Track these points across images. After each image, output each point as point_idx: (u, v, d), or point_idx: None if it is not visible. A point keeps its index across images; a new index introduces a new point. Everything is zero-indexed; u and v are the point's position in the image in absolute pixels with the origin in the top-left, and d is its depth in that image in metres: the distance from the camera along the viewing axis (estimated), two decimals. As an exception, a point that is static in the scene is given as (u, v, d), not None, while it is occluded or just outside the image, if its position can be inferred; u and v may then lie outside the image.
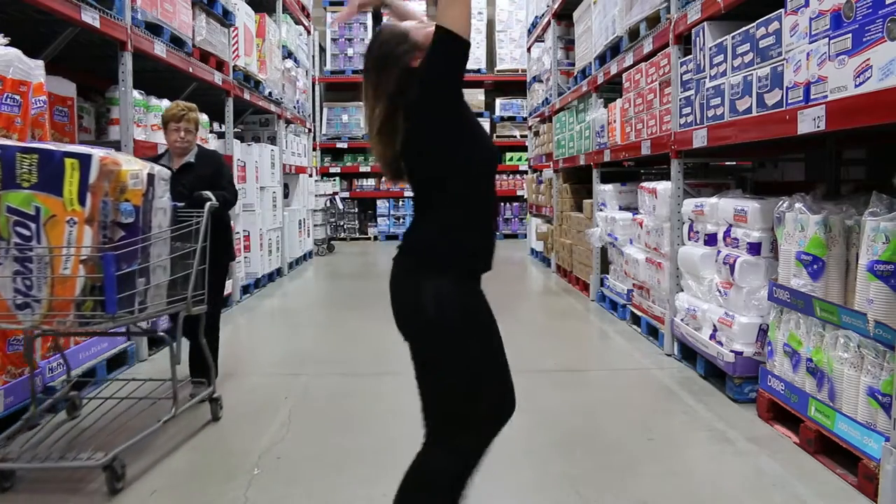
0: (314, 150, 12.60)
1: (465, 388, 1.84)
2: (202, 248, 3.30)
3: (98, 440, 2.95)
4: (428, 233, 1.88)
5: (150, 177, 2.93)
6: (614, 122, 5.87)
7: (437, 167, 1.86)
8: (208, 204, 3.43)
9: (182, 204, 3.38)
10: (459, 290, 1.83)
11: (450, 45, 1.80)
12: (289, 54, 9.24)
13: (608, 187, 6.20)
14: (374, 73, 1.90)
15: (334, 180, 13.57)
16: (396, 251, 1.92)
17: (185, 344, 3.60)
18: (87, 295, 2.69)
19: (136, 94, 4.74)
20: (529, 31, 10.32)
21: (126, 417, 3.20)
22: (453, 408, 1.86)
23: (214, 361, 3.87)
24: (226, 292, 6.34)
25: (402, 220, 13.66)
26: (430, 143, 1.86)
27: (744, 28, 3.51)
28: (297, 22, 10.02)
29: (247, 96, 7.14)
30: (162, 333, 3.34)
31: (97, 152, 2.70)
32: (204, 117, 6.11)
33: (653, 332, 5.02)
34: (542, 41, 9.25)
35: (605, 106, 6.23)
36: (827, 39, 2.75)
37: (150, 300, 2.95)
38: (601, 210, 6.28)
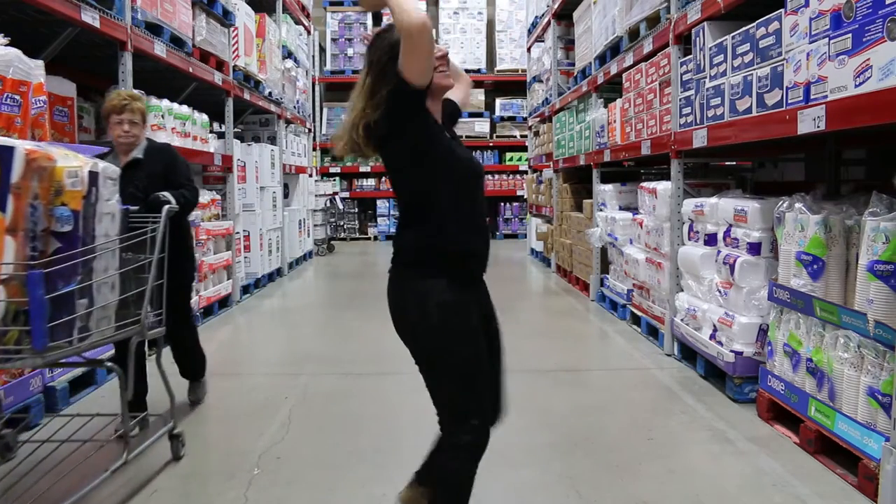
0: (314, 150, 12.61)
1: (454, 385, 1.97)
2: (159, 259, 2.82)
3: (31, 496, 2.43)
4: (413, 240, 2.02)
5: (93, 175, 2.42)
6: (614, 122, 5.87)
7: (416, 183, 1.99)
8: (166, 207, 2.97)
9: (135, 207, 2.93)
10: (442, 292, 1.94)
11: (410, 96, 1.90)
12: (289, 54, 9.24)
13: (608, 187, 6.20)
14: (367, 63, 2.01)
15: (334, 180, 13.57)
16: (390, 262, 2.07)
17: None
18: (9, 324, 2.14)
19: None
20: (529, 31, 10.32)
21: (69, 464, 2.62)
22: (449, 404, 2.00)
23: (197, 381, 3.76)
24: (226, 292, 6.35)
25: (402, 220, 13.66)
26: (407, 164, 1.99)
27: (744, 28, 3.51)
28: (297, 22, 10.02)
29: (247, 96, 7.14)
30: (108, 364, 2.85)
31: (22, 144, 2.22)
32: (204, 117, 6.11)
33: (653, 332, 5.02)
34: (542, 41, 9.25)
35: (605, 106, 6.23)
36: (827, 39, 2.75)
37: (94, 325, 2.42)
38: (601, 210, 6.28)
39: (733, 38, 3.61)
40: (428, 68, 1.90)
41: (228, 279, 6.47)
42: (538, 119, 9.95)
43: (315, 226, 11.09)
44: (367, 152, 2.03)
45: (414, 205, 2.00)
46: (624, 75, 5.55)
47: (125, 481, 2.79)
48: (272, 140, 8.60)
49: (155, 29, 4.85)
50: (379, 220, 13.74)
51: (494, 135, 13.75)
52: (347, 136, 2.00)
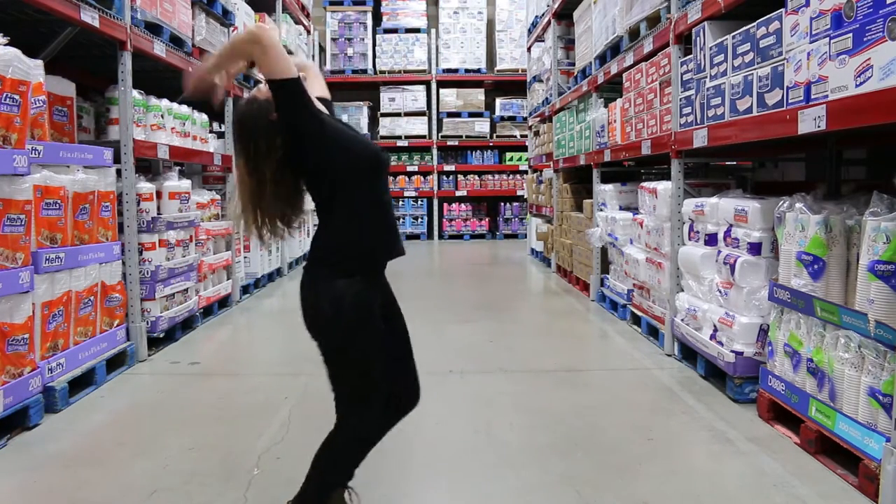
0: (314, 149, 12.58)
1: (359, 374, 2.15)
2: None
3: None
4: (325, 241, 2.17)
5: None
6: (614, 121, 5.87)
7: (326, 188, 2.12)
8: None
9: None
10: (352, 290, 2.08)
11: (285, 89, 2.02)
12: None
13: (608, 187, 6.20)
14: (245, 143, 2.11)
15: (334, 180, 13.52)
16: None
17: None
18: None
19: (135, 93, 4.74)
20: (529, 31, 10.32)
21: None
22: (353, 391, 2.18)
23: None
24: (225, 292, 6.33)
25: (400, 220, 13.66)
26: (315, 169, 2.12)
27: (744, 28, 3.50)
28: (297, 22, 10.01)
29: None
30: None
31: None
32: (204, 117, 6.10)
33: (653, 332, 5.01)
34: (542, 41, 9.24)
35: (606, 106, 6.23)
36: (827, 39, 2.74)
37: None
38: (601, 210, 6.28)
39: (734, 37, 3.61)
40: (283, 57, 2.05)
41: (228, 279, 6.46)
42: (538, 119, 9.95)
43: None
44: (295, 198, 2.19)
45: (328, 207, 2.13)
46: (624, 75, 5.55)
47: (126, 482, 2.79)
48: (272, 140, 8.58)
49: (154, 28, 4.84)
50: (379, 219, 13.72)
51: (494, 135, 13.74)
52: (272, 213, 2.15)
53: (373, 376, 2.16)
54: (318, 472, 2.24)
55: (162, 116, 5.21)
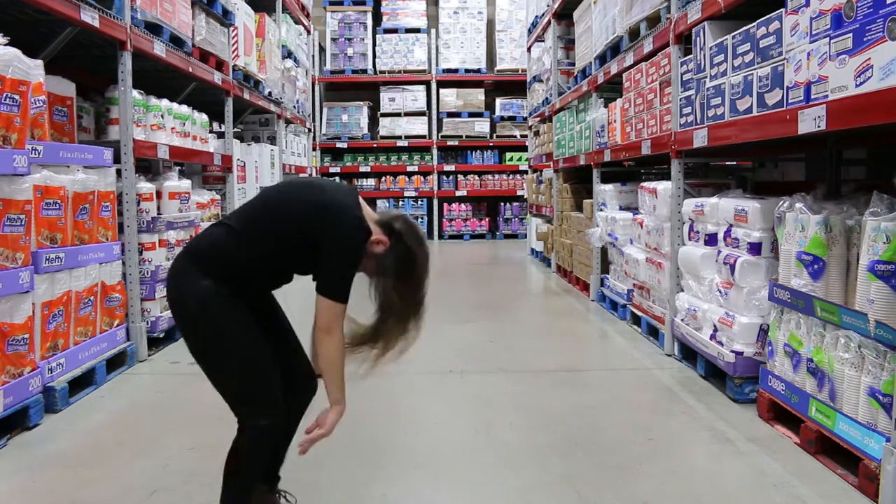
0: (314, 149, 12.60)
1: (240, 374, 2.12)
2: None
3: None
4: (217, 242, 2.17)
5: None
6: (614, 121, 5.87)
7: (295, 253, 2.18)
8: None
9: None
10: (217, 291, 2.08)
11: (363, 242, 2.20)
12: (288, 54, 9.24)
13: (608, 187, 6.20)
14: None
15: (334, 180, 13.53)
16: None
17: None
18: None
19: (135, 93, 4.74)
20: (529, 31, 10.32)
21: None
22: (238, 392, 2.14)
23: None
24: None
25: (401, 220, 13.65)
26: (311, 251, 2.15)
27: (744, 28, 3.51)
28: (297, 21, 10.02)
29: (246, 96, 7.14)
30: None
31: None
32: (204, 117, 6.10)
33: (653, 332, 5.01)
34: (542, 41, 9.25)
35: (606, 106, 6.23)
36: (827, 39, 2.74)
37: None
38: (601, 210, 6.28)
39: (734, 37, 3.61)
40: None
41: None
42: (538, 119, 9.95)
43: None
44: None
45: (256, 240, 2.16)
46: (624, 75, 5.55)
47: (126, 482, 2.79)
48: (272, 140, 8.60)
49: (154, 28, 4.84)
50: (379, 219, 13.72)
51: (494, 135, 13.74)
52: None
53: (254, 371, 2.12)
54: (230, 482, 2.18)
55: (162, 116, 5.21)
